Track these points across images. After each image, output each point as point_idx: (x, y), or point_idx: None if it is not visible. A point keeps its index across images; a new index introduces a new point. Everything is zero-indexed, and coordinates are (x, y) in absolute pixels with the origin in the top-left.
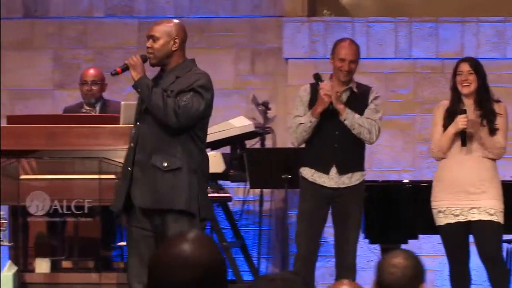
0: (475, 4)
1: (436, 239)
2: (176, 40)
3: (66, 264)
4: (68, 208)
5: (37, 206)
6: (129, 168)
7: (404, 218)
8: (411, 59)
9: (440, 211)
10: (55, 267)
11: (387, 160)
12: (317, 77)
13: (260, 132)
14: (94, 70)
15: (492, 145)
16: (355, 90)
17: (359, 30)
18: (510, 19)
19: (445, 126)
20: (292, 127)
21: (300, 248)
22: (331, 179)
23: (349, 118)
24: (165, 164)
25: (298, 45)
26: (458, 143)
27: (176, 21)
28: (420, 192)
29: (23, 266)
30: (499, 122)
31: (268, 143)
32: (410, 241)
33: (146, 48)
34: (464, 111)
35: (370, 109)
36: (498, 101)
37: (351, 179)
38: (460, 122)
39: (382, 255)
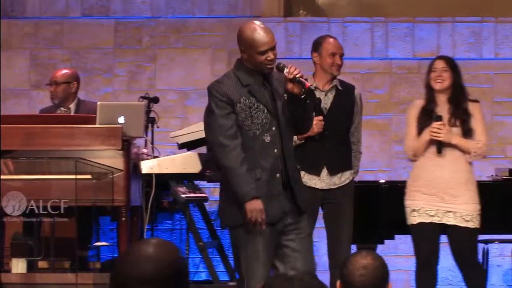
0: (451, 5)
1: None
2: None
3: (42, 264)
4: (45, 208)
5: (13, 206)
6: (277, 175)
7: (380, 219)
8: (387, 59)
9: (414, 210)
10: (31, 267)
11: (363, 160)
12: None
13: None
14: (60, 70)
15: (474, 146)
16: (339, 87)
17: (335, 30)
18: (486, 19)
19: (420, 126)
20: None
21: None
22: (322, 181)
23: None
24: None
25: None
26: (433, 145)
27: None
28: (397, 192)
29: None
30: (475, 122)
31: None
32: (386, 241)
33: (270, 60)
34: (439, 118)
35: (358, 113)
36: (474, 101)
37: (341, 179)
38: (436, 130)
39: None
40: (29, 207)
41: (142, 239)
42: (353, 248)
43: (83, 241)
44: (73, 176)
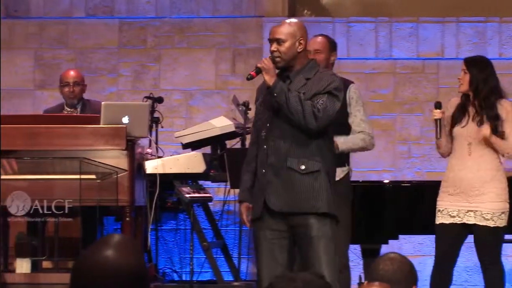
0: (456, 4)
1: (417, 239)
2: (301, 41)
3: (46, 264)
4: (49, 208)
5: (18, 206)
6: (263, 171)
7: (384, 218)
8: (392, 59)
9: (439, 210)
10: (36, 267)
11: (367, 160)
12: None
13: (241, 132)
14: (74, 71)
15: (507, 148)
16: None
17: (340, 30)
18: (490, 19)
19: (453, 123)
20: None
21: None
22: None
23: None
24: (303, 167)
25: None
26: (461, 143)
27: (296, 20)
28: (401, 192)
29: (4, 266)
30: (505, 123)
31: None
32: (390, 241)
33: (271, 52)
34: (439, 105)
35: (350, 105)
36: (503, 99)
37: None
38: (434, 113)
39: (363, 255)
40: (33, 207)
41: (104, 236)
42: (358, 248)
43: (87, 241)
44: (77, 176)
